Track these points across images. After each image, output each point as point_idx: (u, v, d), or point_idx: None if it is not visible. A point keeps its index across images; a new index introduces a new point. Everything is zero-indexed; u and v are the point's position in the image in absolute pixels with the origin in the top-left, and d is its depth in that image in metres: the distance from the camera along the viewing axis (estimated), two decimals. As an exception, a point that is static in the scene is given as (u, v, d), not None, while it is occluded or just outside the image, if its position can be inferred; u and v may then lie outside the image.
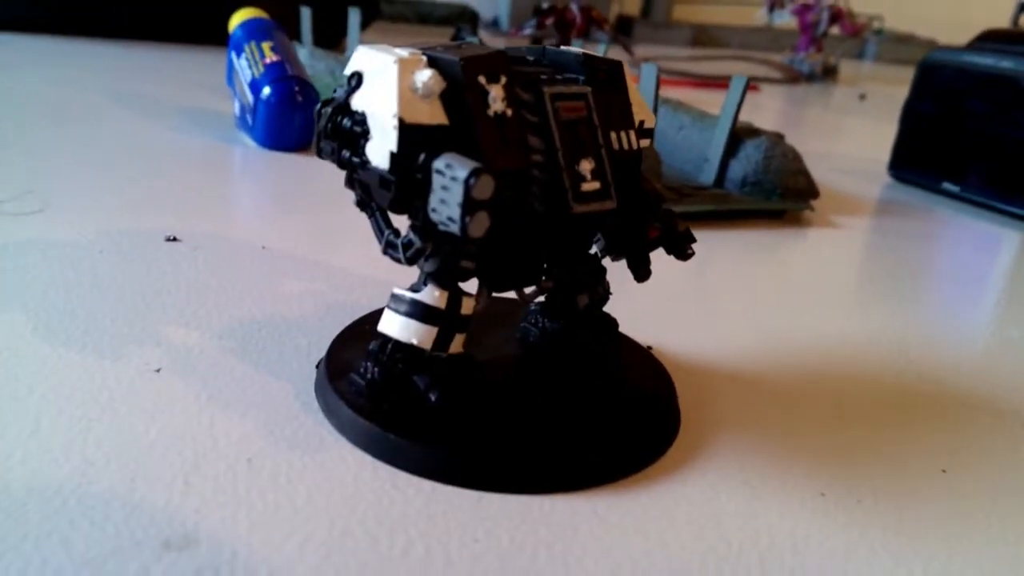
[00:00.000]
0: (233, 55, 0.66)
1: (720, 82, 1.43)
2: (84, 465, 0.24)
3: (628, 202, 0.27)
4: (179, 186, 0.52)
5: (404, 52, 0.24)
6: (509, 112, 0.24)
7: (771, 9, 1.68)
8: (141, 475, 0.23)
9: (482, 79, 0.24)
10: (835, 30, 1.71)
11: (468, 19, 2.02)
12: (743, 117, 1.08)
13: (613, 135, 0.27)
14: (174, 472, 0.24)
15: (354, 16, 0.91)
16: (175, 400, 0.27)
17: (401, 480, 0.24)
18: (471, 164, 0.22)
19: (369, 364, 0.27)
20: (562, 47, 0.28)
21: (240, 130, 0.68)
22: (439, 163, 0.22)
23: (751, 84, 1.45)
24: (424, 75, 0.23)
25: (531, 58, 0.28)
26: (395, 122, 0.23)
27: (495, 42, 1.73)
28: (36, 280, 0.36)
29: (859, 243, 0.57)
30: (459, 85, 0.23)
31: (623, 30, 2.07)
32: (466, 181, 0.21)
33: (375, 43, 0.22)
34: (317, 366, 0.30)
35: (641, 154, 0.28)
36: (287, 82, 0.61)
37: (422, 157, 0.23)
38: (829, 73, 1.71)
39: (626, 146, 0.27)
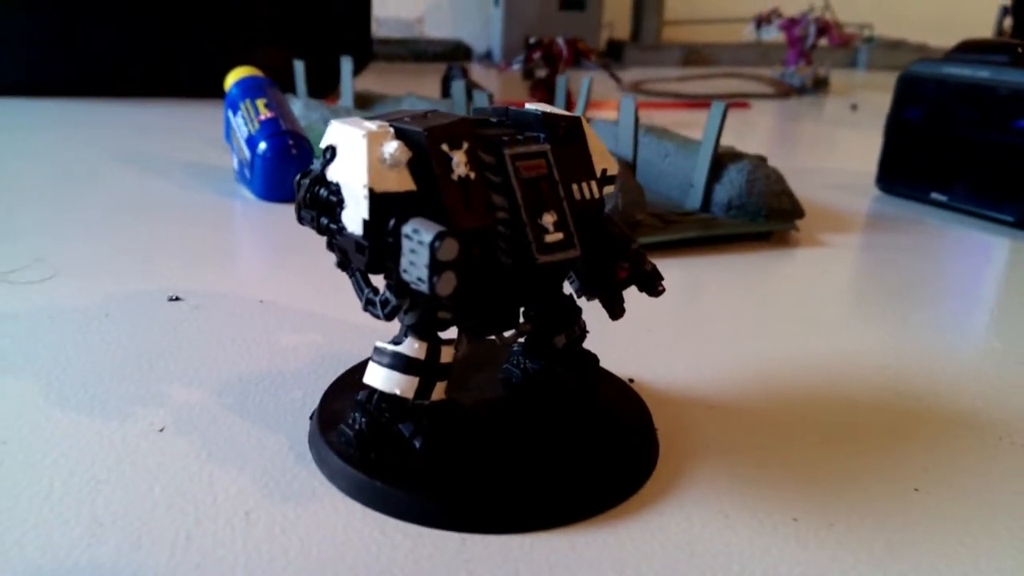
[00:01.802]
0: (229, 113, 0.69)
1: (710, 102, 1.45)
2: (94, 526, 0.25)
3: (594, 247, 0.29)
4: (182, 243, 0.54)
5: (373, 125, 0.26)
6: (472, 175, 0.26)
7: (758, 26, 1.71)
8: (146, 533, 0.25)
9: (445, 146, 0.25)
10: (824, 42, 1.73)
11: (462, 54, 2.07)
12: (734, 136, 1.09)
13: (574, 187, 0.28)
14: (176, 529, 0.25)
15: (346, 64, 0.94)
16: (177, 458, 0.29)
17: (389, 526, 0.26)
18: (436, 228, 0.23)
19: (357, 415, 0.28)
20: (526, 105, 0.30)
21: (239, 183, 0.70)
22: (407, 228, 0.24)
23: (742, 101, 1.47)
24: (391, 146, 0.25)
25: (495, 119, 0.29)
26: (365, 192, 0.25)
27: (487, 75, 1.76)
28: (47, 347, 0.38)
29: (846, 261, 0.58)
30: (424, 153, 0.25)
31: (614, 55, 2.10)
32: (431, 244, 0.23)
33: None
34: (311, 417, 0.32)
35: (603, 201, 0.30)
36: (282, 137, 0.64)
37: (392, 222, 0.25)
38: (820, 85, 1.73)
39: (587, 196, 0.29)
